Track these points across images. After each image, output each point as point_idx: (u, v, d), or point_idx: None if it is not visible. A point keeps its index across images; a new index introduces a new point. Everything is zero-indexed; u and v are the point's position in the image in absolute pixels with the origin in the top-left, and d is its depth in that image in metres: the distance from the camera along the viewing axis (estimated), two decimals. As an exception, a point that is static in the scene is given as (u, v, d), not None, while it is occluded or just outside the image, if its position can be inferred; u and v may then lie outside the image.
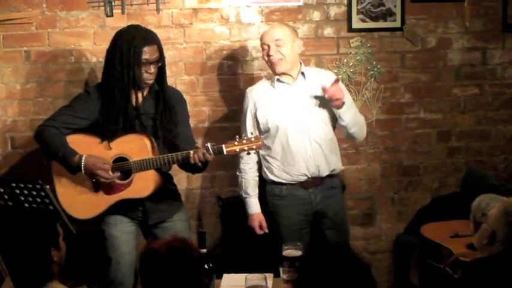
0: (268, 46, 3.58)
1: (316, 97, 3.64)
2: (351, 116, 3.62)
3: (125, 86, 3.35)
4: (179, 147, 3.44)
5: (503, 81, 4.52)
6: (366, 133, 3.82)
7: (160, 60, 3.41)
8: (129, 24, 3.60)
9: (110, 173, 3.35)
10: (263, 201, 3.79)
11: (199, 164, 3.28)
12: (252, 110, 3.70)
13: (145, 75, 3.36)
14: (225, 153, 3.27)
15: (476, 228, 2.81)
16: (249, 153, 3.38)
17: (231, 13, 4.29)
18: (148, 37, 3.38)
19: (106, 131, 3.39)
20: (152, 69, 3.37)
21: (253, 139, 3.29)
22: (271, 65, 3.62)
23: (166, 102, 3.46)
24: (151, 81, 3.41)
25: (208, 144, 3.26)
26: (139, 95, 3.42)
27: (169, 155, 3.35)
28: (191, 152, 3.28)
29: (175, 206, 3.61)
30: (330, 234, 3.72)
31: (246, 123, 3.71)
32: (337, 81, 3.53)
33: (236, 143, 3.28)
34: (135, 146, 3.38)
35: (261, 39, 3.66)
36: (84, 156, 3.33)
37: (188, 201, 4.30)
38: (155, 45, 3.38)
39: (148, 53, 3.34)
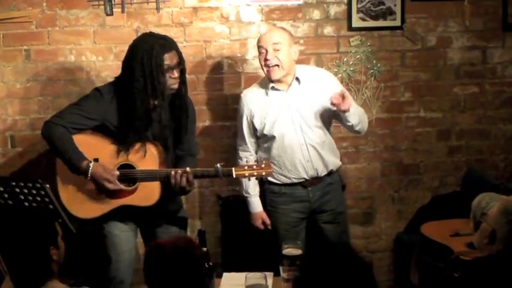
0: (266, 50, 3.53)
1: (311, 101, 3.61)
2: (357, 117, 3.60)
3: (147, 97, 3.29)
4: (180, 156, 3.44)
5: (503, 79, 4.51)
6: (367, 124, 3.80)
7: (181, 63, 3.36)
8: (144, 33, 3.51)
9: (116, 182, 3.30)
10: (262, 199, 3.78)
11: (177, 187, 3.26)
12: (249, 116, 3.66)
13: (170, 81, 3.30)
14: (234, 176, 3.29)
15: (476, 227, 2.80)
16: (257, 179, 3.39)
17: (231, 12, 4.28)
18: (167, 44, 3.32)
19: (122, 139, 3.33)
20: (175, 73, 3.31)
21: (263, 165, 3.30)
22: (267, 71, 3.57)
23: (181, 110, 3.40)
24: (176, 86, 3.34)
25: (218, 165, 3.25)
26: (155, 103, 3.34)
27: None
28: (188, 169, 3.25)
29: (176, 206, 3.60)
30: (327, 228, 3.73)
31: (244, 129, 3.68)
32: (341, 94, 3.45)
33: (246, 167, 3.30)
34: (144, 155, 3.35)
35: (259, 42, 3.60)
36: (92, 164, 3.28)
37: (188, 200, 4.30)
38: (174, 50, 3.33)
39: (169, 59, 3.29)
